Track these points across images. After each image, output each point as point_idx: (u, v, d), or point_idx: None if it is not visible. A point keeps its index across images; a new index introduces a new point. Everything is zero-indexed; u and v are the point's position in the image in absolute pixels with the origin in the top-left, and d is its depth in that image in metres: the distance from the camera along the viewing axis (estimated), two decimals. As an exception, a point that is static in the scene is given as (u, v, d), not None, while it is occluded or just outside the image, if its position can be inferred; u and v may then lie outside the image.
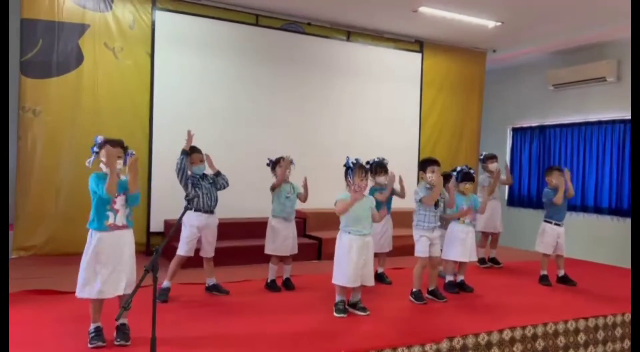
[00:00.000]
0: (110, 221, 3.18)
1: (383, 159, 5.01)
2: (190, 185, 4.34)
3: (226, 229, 5.99)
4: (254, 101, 6.94)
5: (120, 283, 3.15)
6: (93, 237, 3.16)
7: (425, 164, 4.48)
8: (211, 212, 4.41)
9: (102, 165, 3.24)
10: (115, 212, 3.20)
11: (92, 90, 6.10)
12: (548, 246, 5.18)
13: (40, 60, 5.85)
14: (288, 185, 4.70)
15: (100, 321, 3.18)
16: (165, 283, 4.24)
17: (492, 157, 6.11)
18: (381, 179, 4.92)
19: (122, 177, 3.30)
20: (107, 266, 3.12)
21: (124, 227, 3.24)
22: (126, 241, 3.24)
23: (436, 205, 4.36)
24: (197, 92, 6.59)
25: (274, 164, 4.75)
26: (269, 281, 4.71)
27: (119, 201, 3.22)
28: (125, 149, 3.32)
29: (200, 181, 4.38)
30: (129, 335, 3.18)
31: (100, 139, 3.30)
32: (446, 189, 4.64)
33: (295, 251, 4.76)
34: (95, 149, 3.28)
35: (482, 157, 6.22)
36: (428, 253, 4.35)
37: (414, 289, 4.37)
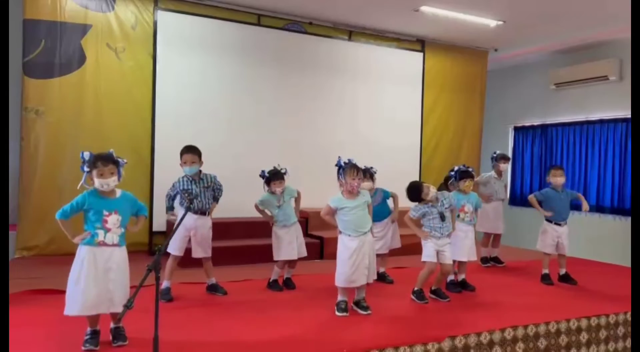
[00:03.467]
0: (100, 238, 3.09)
1: (371, 168, 4.96)
2: (182, 196, 4.33)
3: (227, 228, 6.04)
4: (255, 101, 6.94)
5: (102, 302, 3.07)
6: (80, 252, 3.10)
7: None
8: (203, 213, 4.38)
9: (95, 181, 3.10)
10: (107, 230, 3.10)
11: (95, 91, 6.11)
12: (548, 246, 5.17)
13: (42, 61, 5.86)
14: (276, 196, 4.64)
15: (99, 325, 3.17)
16: (165, 283, 4.26)
17: (504, 158, 6.13)
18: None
19: (118, 193, 3.23)
20: (92, 284, 3.03)
21: (114, 245, 3.14)
22: (114, 260, 3.12)
23: (443, 219, 4.32)
24: (199, 92, 6.60)
25: (267, 179, 4.62)
26: (270, 280, 4.72)
27: (110, 220, 3.12)
28: (116, 163, 3.17)
29: (192, 185, 4.33)
30: (125, 335, 3.17)
31: (87, 155, 3.14)
32: (448, 190, 4.66)
33: (304, 254, 4.74)
34: (86, 168, 3.13)
35: (495, 155, 6.19)
36: (435, 258, 4.32)
37: (416, 288, 4.38)
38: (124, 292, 3.14)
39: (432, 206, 4.32)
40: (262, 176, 4.68)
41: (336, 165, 4.03)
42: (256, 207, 4.69)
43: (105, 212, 3.12)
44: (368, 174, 4.84)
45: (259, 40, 6.96)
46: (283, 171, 4.64)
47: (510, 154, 9.66)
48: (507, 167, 6.09)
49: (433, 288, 4.47)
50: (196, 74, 6.59)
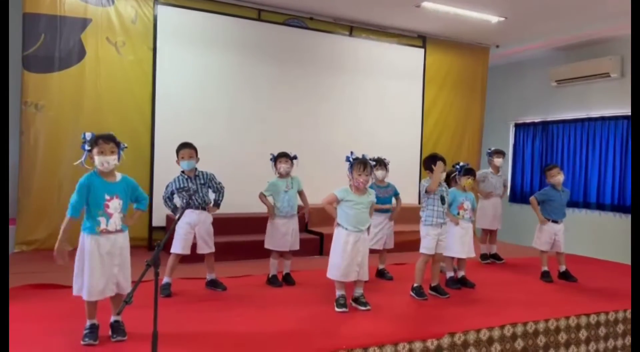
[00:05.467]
0: (102, 226, 3.07)
1: (384, 159, 5.00)
2: (179, 194, 4.33)
3: (227, 224, 6.03)
4: (255, 96, 6.93)
5: (108, 287, 3.11)
6: (84, 240, 3.09)
7: (433, 161, 4.42)
8: (203, 208, 4.39)
9: (96, 159, 3.11)
10: (109, 216, 3.09)
11: (95, 85, 6.10)
12: (544, 243, 5.18)
13: (42, 55, 5.84)
14: (285, 180, 4.71)
15: (97, 318, 3.16)
16: (166, 279, 4.27)
17: (497, 153, 6.19)
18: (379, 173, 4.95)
19: (118, 177, 3.22)
20: (98, 270, 3.06)
21: (117, 231, 3.14)
22: (118, 245, 3.14)
23: (442, 200, 4.35)
24: (199, 87, 6.58)
25: (275, 158, 4.74)
26: (270, 276, 4.72)
27: (112, 205, 3.10)
28: (117, 144, 3.19)
29: (188, 182, 4.33)
30: (124, 330, 3.17)
31: (89, 135, 3.18)
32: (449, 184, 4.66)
33: (296, 247, 4.77)
34: (87, 146, 3.15)
35: (489, 151, 6.29)
36: (434, 250, 4.35)
37: (415, 285, 4.38)
38: (127, 275, 3.19)
39: (439, 185, 4.35)
40: (272, 158, 4.77)
41: (346, 160, 4.03)
42: (260, 196, 4.70)
43: (107, 197, 3.11)
44: (383, 163, 4.97)
45: (260, 36, 6.94)
46: (292, 156, 4.74)
47: (510, 151, 9.67)
48: (501, 162, 6.13)
49: (432, 285, 4.47)
50: (196, 69, 6.57)
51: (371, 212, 4.07)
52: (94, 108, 6.08)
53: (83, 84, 6.05)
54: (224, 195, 4.53)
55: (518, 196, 9.54)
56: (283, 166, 4.68)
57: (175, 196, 4.39)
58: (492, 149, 6.30)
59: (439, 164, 4.27)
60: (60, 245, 3.06)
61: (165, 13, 6.37)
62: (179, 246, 4.31)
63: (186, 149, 4.32)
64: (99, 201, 3.09)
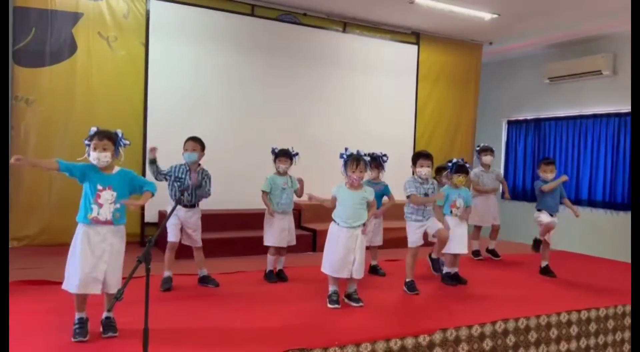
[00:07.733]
0: (94, 214, 3.11)
1: (383, 156, 4.94)
2: (171, 181, 4.32)
3: (221, 220, 6.03)
4: (248, 92, 6.91)
5: (97, 282, 3.10)
6: (78, 231, 3.14)
7: (416, 158, 4.47)
8: (192, 206, 4.40)
9: (90, 154, 3.17)
10: (99, 206, 3.12)
11: (86, 80, 6.05)
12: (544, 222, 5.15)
13: (33, 49, 5.79)
14: (284, 177, 4.72)
15: (86, 311, 3.16)
16: (166, 273, 4.28)
17: (484, 150, 6.15)
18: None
19: (115, 170, 3.25)
20: (85, 262, 3.07)
21: (108, 222, 3.14)
22: (108, 241, 3.15)
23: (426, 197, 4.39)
24: (192, 82, 6.55)
25: (276, 155, 4.72)
26: (267, 271, 4.74)
27: (104, 195, 3.14)
28: (114, 141, 3.21)
29: (186, 175, 4.33)
30: (115, 326, 3.17)
31: (93, 130, 3.24)
32: (439, 181, 4.66)
33: (293, 243, 4.80)
34: (87, 141, 3.22)
35: (478, 148, 6.28)
36: (420, 242, 4.41)
37: (407, 280, 4.39)
38: (116, 274, 3.18)
39: (421, 184, 4.39)
40: (273, 152, 4.76)
41: (340, 157, 4.02)
42: (263, 196, 4.68)
43: (100, 187, 3.14)
44: (374, 163, 4.81)
45: (253, 31, 6.91)
46: (294, 153, 4.74)
47: (503, 148, 9.70)
48: (489, 160, 6.10)
49: (433, 256, 4.61)
50: (189, 64, 6.54)
51: (371, 209, 4.04)
52: (85, 103, 6.04)
53: (74, 79, 6.00)
54: (209, 192, 4.46)
55: (510, 193, 9.54)
56: (282, 166, 4.69)
57: (168, 188, 4.37)
58: (480, 146, 6.26)
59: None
60: (31, 164, 3.35)
61: (158, 8, 6.33)
62: (171, 235, 4.33)
63: (190, 141, 4.35)
64: (93, 190, 3.13)
